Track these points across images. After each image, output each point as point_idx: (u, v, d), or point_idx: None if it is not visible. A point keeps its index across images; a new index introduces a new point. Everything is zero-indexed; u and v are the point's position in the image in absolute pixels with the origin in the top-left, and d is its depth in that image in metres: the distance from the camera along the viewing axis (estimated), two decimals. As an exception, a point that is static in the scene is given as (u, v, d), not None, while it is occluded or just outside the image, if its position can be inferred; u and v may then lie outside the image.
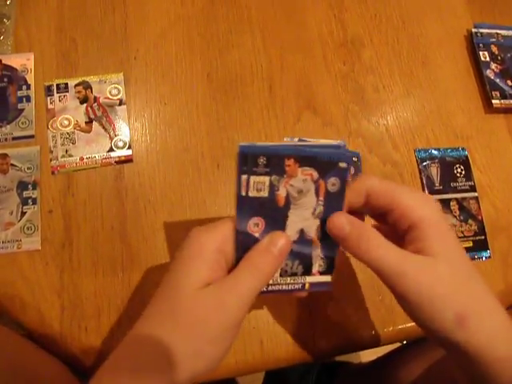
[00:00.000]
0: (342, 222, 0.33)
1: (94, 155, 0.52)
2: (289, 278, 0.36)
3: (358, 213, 0.36)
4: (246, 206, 0.33)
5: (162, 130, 0.54)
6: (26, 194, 0.49)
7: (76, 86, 0.54)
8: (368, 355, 0.75)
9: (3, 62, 0.54)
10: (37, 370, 0.43)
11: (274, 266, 0.33)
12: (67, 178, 0.51)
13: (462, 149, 0.58)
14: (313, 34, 0.61)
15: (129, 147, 0.52)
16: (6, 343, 0.42)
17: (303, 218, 0.34)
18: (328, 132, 0.57)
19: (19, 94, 0.53)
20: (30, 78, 0.53)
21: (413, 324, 0.50)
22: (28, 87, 0.53)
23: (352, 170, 0.45)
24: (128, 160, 0.52)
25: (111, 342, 0.46)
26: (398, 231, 0.35)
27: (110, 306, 0.47)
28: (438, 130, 0.59)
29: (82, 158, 0.51)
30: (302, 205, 0.34)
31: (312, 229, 0.35)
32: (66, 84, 0.54)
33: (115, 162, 0.52)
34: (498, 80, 0.61)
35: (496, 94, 0.60)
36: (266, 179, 0.32)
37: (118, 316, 0.47)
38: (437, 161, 0.57)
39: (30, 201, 0.49)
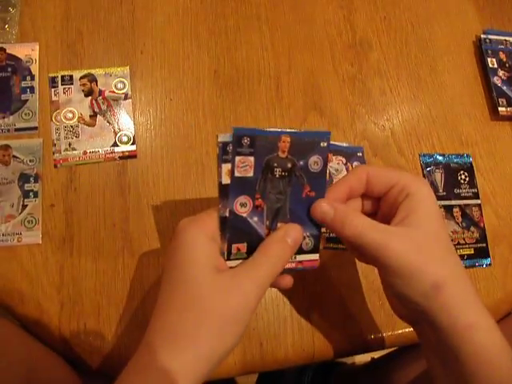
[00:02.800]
0: (324, 207, 0.36)
1: (97, 149, 0.51)
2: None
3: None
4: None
5: (167, 126, 0.53)
6: (27, 186, 0.49)
7: (81, 78, 0.53)
8: (362, 356, 0.76)
9: (8, 51, 0.53)
10: (34, 361, 0.43)
11: (289, 254, 0.36)
12: (70, 172, 0.50)
13: (467, 155, 0.58)
14: (321, 34, 0.60)
15: (133, 142, 0.52)
16: (11, 339, 0.42)
17: None
18: (334, 134, 0.56)
19: (23, 84, 0.52)
20: (35, 69, 0.53)
21: (411, 329, 0.50)
22: (32, 78, 0.52)
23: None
24: (132, 155, 0.51)
25: (110, 339, 0.46)
26: (391, 208, 0.38)
27: (109, 304, 0.47)
28: (443, 135, 0.59)
29: (85, 152, 0.51)
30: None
31: None
32: (71, 76, 0.53)
33: (119, 157, 0.51)
34: (505, 87, 0.61)
35: (502, 101, 0.60)
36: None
37: (118, 314, 0.46)
38: (441, 166, 0.57)
39: (31, 194, 0.49)
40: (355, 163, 0.54)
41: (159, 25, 0.57)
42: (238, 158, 0.34)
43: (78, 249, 0.48)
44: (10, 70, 0.52)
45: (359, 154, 0.55)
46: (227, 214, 0.35)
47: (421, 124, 0.59)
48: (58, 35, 0.54)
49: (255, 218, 0.36)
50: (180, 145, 0.53)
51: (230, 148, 0.34)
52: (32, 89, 0.52)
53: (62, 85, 0.52)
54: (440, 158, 0.57)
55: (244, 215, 0.36)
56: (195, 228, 0.34)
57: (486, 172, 0.58)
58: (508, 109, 0.60)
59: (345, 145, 0.55)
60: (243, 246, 0.36)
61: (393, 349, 0.63)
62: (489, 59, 0.62)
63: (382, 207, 0.39)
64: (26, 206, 0.48)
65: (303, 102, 0.57)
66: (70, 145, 0.51)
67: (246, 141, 0.35)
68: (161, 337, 0.32)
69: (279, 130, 0.36)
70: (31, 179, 0.49)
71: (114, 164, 0.51)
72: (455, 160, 0.58)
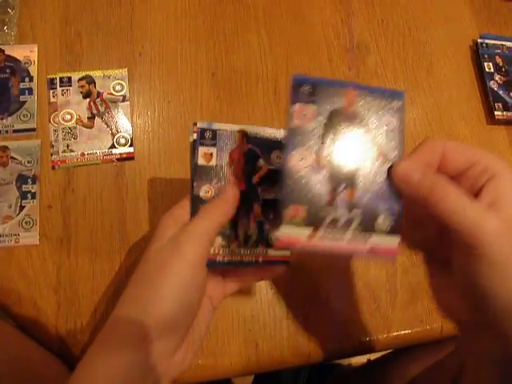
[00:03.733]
0: (409, 167, 0.32)
1: (95, 151, 0.51)
2: None
3: None
4: None
5: (165, 128, 0.54)
6: (25, 187, 0.49)
7: (79, 80, 0.53)
8: (358, 357, 0.76)
9: (6, 52, 0.53)
10: (30, 360, 0.43)
11: (224, 209, 0.37)
12: (67, 174, 0.50)
13: (463, 159, 0.58)
14: (319, 37, 0.61)
15: (131, 144, 0.52)
16: (7, 338, 0.42)
17: None
18: (331, 137, 0.57)
19: (21, 86, 0.52)
20: (33, 70, 0.53)
21: (406, 331, 0.51)
22: (31, 79, 0.52)
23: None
24: (129, 157, 0.52)
25: (107, 339, 0.46)
26: (469, 189, 0.32)
27: (106, 304, 0.47)
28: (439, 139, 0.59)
29: (83, 154, 0.51)
30: None
31: None
32: (70, 78, 0.53)
33: (116, 158, 0.51)
34: (501, 91, 0.61)
35: (499, 105, 0.61)
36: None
37: (115, 314, 0.47)
38: (437, 170, 0.57)
39: (29, 195, 0.49)
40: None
41: (158, 27, 0.57)
42: (297, 105, 0.32)
43: (76, 250, 0.48)
44: (8, 71, 0.53)
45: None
46: (201, 194, 0.38)
47: (417, 127, 0.59)
48: (57, 37, 0.55)
49: (316, 178, 0.32)
50: (178, 147, 0.53)
51: (207, 134, 0.38)
52: (30, 90, 0.52)
53: (60, 86, 0.53)
54: (436, 161, 0.58)
55: (302, 172, 0.32)
56: (166, 217, 0.37)
57: (482, 175, 0.59)
58: (504, 113, 0.60)
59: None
60: (303, 210, 0.32)
61: (389, 351, 0.63)
62: (485, 63, 0.62)
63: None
64: (24, 207, 0.48)
65: (300, 105, 0.57)
66: (67, 146, 0.51)
67: (306, 88, 0.32)
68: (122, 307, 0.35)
69: (346, 81, 0.33)
70: (29, 180, 0.49)
71: (111, 166, 0.51)
72: (451, 163, 0.58)
